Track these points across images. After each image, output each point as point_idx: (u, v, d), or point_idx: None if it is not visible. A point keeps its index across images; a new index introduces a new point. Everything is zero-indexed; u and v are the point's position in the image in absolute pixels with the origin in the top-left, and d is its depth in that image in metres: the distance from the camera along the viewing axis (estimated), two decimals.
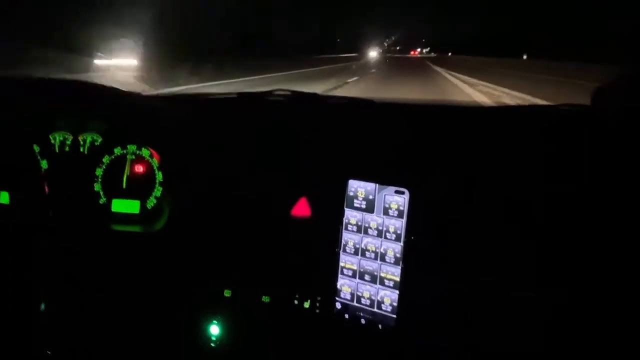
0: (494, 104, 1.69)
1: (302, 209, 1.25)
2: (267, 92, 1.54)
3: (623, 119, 1.13)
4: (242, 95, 1.57)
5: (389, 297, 1.14)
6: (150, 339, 1.27)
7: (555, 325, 1.07)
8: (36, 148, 1.39)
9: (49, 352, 1.17)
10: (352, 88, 11.58)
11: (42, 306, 1.16)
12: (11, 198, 1.15)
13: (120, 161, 1.38)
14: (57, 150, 1.41)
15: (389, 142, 1.26)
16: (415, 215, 1.12)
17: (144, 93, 1.69)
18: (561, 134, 1.20)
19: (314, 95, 1.58)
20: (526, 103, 1.57)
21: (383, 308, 1.15)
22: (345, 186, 1.19)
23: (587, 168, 1.12)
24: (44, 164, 1.38)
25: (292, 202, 1.25)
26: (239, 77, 11.36)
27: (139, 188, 1.37)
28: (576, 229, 1.09)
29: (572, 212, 1.09)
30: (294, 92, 1.54)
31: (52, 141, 1.41)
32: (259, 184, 1.28)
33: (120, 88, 1.50)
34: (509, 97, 8.76)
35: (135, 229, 1.34)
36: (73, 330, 1.25)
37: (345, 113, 1.46)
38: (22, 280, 1.23)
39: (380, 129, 1.31)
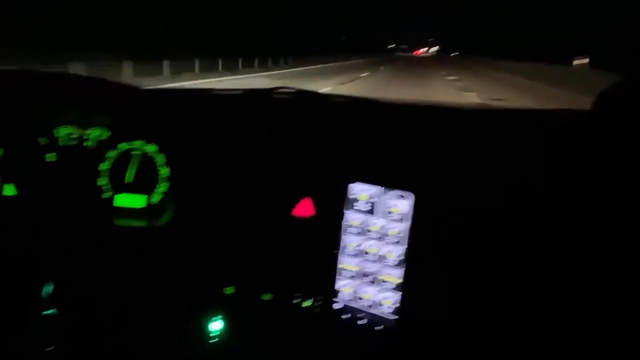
0: (500, 107, 1.69)
1: (304, 209, 1.26)
2: (271, 89, 1.55)
3: (624, 123, 1.14)
4: (246, 92, 1.58)
5: (390, 299, 1.15)
6: (151, 334, 1.28)
7: (561, 329, 1.08)
8: (42, 141, 1.40)
9: (50, 348, 1.19)
10: None
11: (44, 300, 1.18)
12: (18, 190, 1.16)
13: (126, 156, 1.39)
14: (62, 144, 1.42)
15: (393, 143, 1.27)
16: (417, 219, 1.13)
17: (148, 87, 1.70)
18: (563, 139, 1.21)
19: (318, 93, 1.58)
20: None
21: (383, 310, 1.16)
22: (347, 188, 1.19)
23: (588, 172, 1.13)
24: (50, 157, 1.39)
25: (294, 202, 1.26)
26: None
27: (144, 183, 1.38)
28: (580, 233, 1.09)
29: (575, 217, 1.10)
30: (298, 90, 1.55)
31: (58, 135, 1.42)
32: (262, 182, 1.29)
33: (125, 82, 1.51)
34: None
35: (140, 223, 1.35)
36: (73, 325, 1.26)
37: (350, 112, 1.46)
38: (25, 274, 1.24)
39: (384, 129, 1.32)
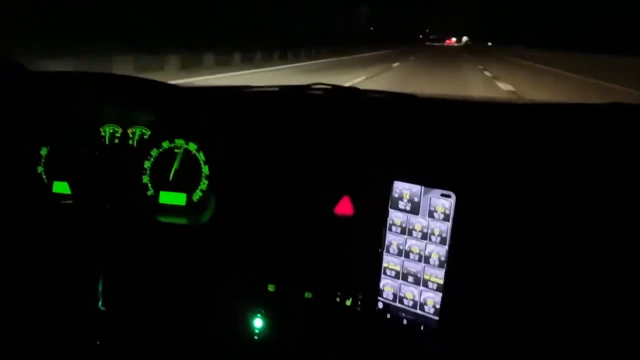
0: (542, 101, 1.66)
1: (345, 207, 1.25)
2: (307, 85, 1.55)
3: None
4: (283, 89, 1.58)
5: (432, 299, 1.14)
6: (195, 330, 1.31)
7: (608, 336, 1.05)
8: (89, 140, 1.43)
9: (98, 342, 1.22)
10: None
11: (94, 295, 1.21)
12: (72, 188, 1.20)
13: (168, 154, 1.42)
14: (107, 143, 1.45)
15: (434, 141, 1.25)
16: (461, 219, 1.11)
17: (186, 85, 1.72)
18: (611, 134, 1.17)
19: (355, 89, 1.57)
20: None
21: (426, 310, 1.15)
22: (390, 187, 1.19)
23: (636, 168, 1.09)
24: (96, 155, 1.43)
25: (336, 200, 1.26)
26: None
27: (186, 181, 1.40)
28: (631, 233, 1.06)
29: (627, 216, 1.07)
30: (334, 86, 1.54)
31: (103, 134, 1.46)
32: (302, 180, 1.29)
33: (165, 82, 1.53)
34: None
35: (182, 221, 1.37)
36: (121, 320, 1.30)
37: (388, 109, 1.45)
38: (74, 270, 1.28)
39: (423, 126, 1.30)
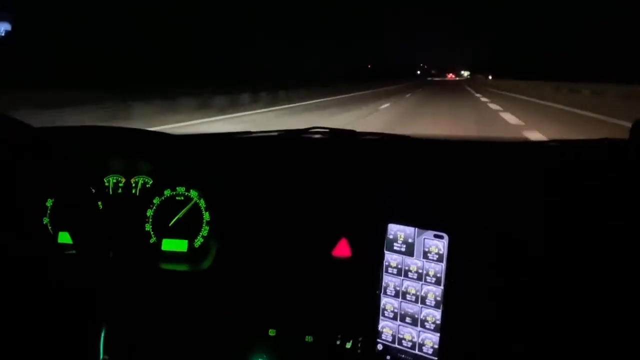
0: (533, 140, 1.70)
1: (343, 249, 1.28)
2: (304, 129, 1.60)
3: None
4: (281, 134, 1.63)
5: (430, 340, 1.15)
6: None
7: None
8: (93, 190, 1.48)
9: None
10: None
11: (99, 345, 1.23)
12: (73, 238, 1.24)
13: (170, 202, 1.46)
14: (111, 193, 1.49)
15: (426, 183, 1.29)
16: (454, 259, 1.14)
17: (186, 134, 1.77)
18: (603, 169, 1.21)
19: (350, 131, 1.62)
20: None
21: (424, 350, 1.16)
22: (385, 229, 1.22)
23: (629, 203, 1.12)
24: (100, 205, 1.47)
25: (333, 242, 1.29)
26: None
27: (187, 227, 1.44)
28: (623, 268, 1.08)
29: (618, 251, 1.09)
30: (331, 129, 1.59)
31: (107, 184, 1.50)
32: (301, 223, 1.33)
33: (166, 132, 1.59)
34: None
35: (184, 267, 1.40)
36: None
37: (382, 151, 1.49)
38: (77, 320, 1.30)
39: (415, 168, 1.34)
